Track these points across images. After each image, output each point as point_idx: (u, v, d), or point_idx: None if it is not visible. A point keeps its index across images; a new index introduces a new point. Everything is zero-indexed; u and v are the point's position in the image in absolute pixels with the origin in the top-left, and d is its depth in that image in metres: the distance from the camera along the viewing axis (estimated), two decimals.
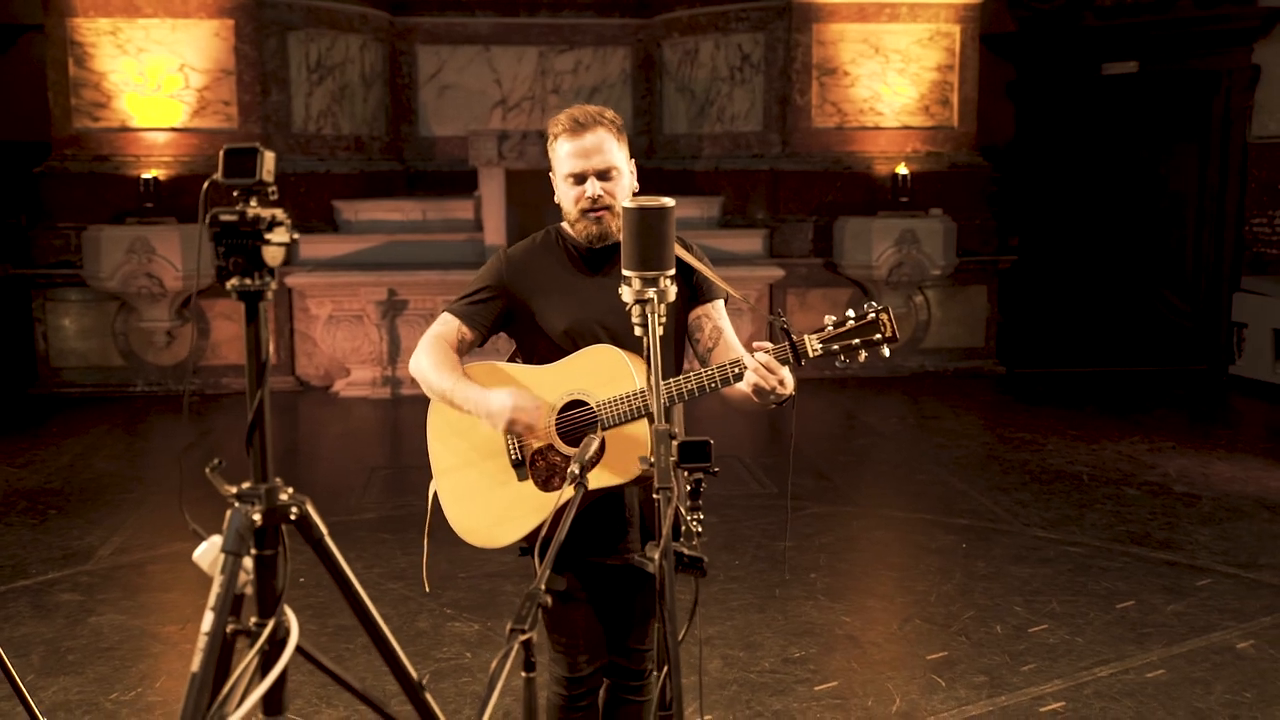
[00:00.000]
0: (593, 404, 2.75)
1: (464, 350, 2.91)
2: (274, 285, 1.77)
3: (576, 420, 2.77)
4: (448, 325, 2.91)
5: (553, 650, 3.00)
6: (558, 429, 2.79)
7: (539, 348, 2.90)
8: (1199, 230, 11.24)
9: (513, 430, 2.76)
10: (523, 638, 1.99)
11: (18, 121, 10.57)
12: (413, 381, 10.04)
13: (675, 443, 2.32)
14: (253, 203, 1.74)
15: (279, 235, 1.73)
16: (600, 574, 2.94)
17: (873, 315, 2.65)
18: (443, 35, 11.28)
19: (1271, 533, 6.14)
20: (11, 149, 10.58)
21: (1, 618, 4.96)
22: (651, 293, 2.32)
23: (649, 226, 2.31)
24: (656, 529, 2.93)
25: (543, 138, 10.45)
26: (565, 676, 2.98)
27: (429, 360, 2.86)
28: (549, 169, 2.94)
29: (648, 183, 11.11)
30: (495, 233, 9.92)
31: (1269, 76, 10.57)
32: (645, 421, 2.72)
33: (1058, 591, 5.27)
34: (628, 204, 2.31)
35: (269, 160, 1.74)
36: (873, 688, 4.29)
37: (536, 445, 2.82)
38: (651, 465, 2.24)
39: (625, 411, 2.71)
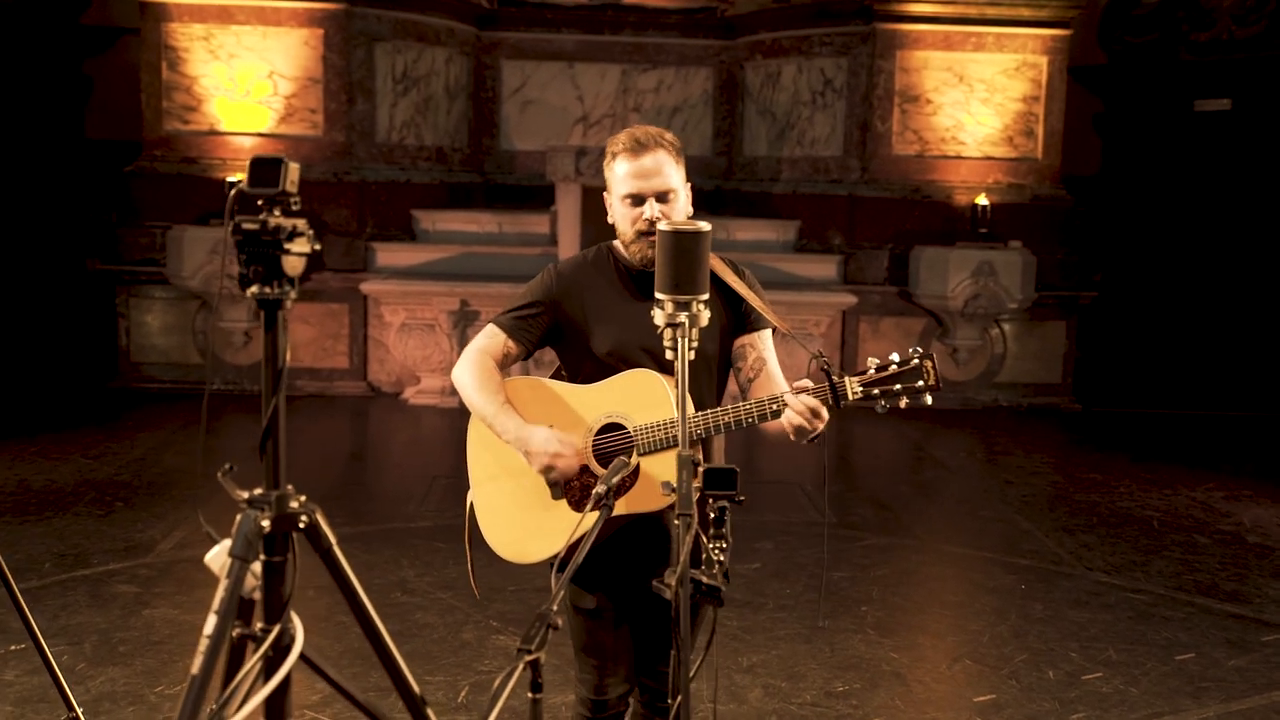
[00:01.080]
0: (630, 428, 2.75)
1: (508, 364, 2.91)
2: (294, 294, 1.78)
3: (613, 444, 2.77)
4: (493, 339, 2.89)
5: (580, 670, 2.98)
6: (594, 451, 2.78)
7: (583, 365, 2.90)
8: None
9: (547, 476, 2.76)
10: (529, 658, 1.98)
11: (112, 121, 10.87)
12: None
13: (700, 469, 2.30)
14: (275, 212, 1.75)
15: (299, 245, 1.75)
16: (634, 597, 2.92)
17: (916, 361, 2.62)
18: (528, 51, 11.38)
19: None
20: (105, 148, 10.87)
21: (60, 605, 5.07)
22: (683, 316, 2.30)
23: (684, 249, 2.29)
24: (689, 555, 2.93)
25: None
26: (591, 698, 2.96)
27: (472, 377, 2.85)
28: (604, 188, 2.91)
29: (725, 204, 11.12)
30: (570, 247, 9.96)
31: None
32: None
33: (1116, 639, 5.13)
34: (663, 226, 2.30)
35: (293, 171, 1.75)
36: None
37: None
38: (672, 491, 2.22)
39: (661, 439, 2.70)
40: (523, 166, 11.42)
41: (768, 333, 2.98)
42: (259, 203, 1.76)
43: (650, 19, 11.38)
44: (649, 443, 2.72)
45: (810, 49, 10.60)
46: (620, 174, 2.79)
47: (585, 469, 2.80)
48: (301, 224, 1.74)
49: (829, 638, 5.00)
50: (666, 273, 2.29)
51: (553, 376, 3.03)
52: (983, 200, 10.05)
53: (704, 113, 11.49)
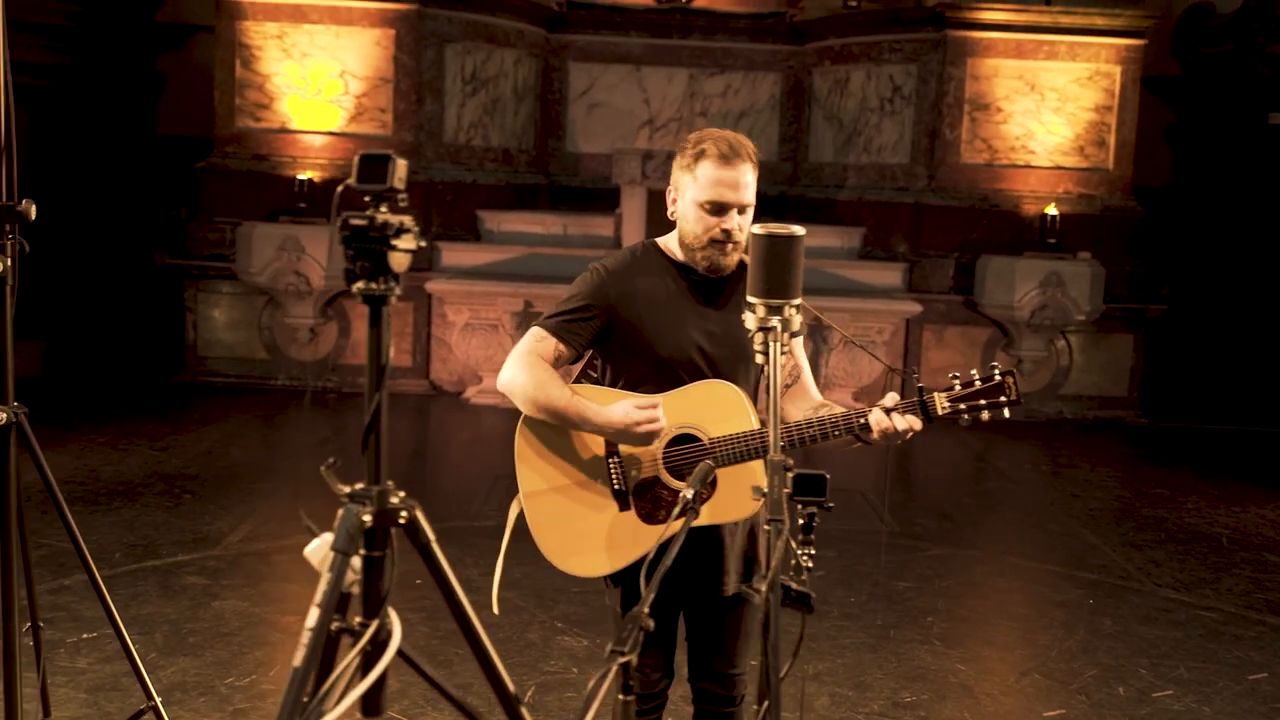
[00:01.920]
0: (705, 439, 2.71)
1: (557, 367, 2.83)
2: (398, 290, 1.79)
3: (686, 455, 2.73)
4: (544, 342, 2.81)
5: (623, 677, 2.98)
6: (664, 462, 2.75)
7: (633, 366, 2.84)
8: None
9: (638, 440, 2.68)
10: (622, 659, 1.98)
11: (185, 117, 11.05)
12: None
13: (790, 475, 2.29)
14: (383, 208, 1.76)
15: (406, 242, 1.76)
16: (689, 601, 2.92)
17: (999, 378, 2.66)
18: (595, 53, 11.41)
19: None
20: (177, 143, 11.05)
21: (130, 595, 5.14)
22: (775, 320, 2.29)
23: (778, 254, 2.28)
24: (762, 561, 2.92)
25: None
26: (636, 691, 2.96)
27: (531, 378, 2.75)
28: (670, 185, 2.85)
29: (789, 209, 11.07)
30: None
31: None
32: (759, 463, 2.69)
33: (1186, 657, 5.05)
34: (757, 230, 2.29)
35: (401, 168, 1.76)
36: None
37: (641, 477, 2.77)
38: (763, 495, 2.21)
39: (740, 451, 2.67)
40: (588, 169, 11.45)
41: (800, 339, 2.97)
42: (365, 199, 1.77)
43: (718, 23, 11.37)
44: (727, 454, 2.68)
45: (879, 55, 10.54)
46: (706, 179, 2.72)
47: (657, 480, 2.77)
48: (409, 220, 1.75)
49: (895, 648, 4.97)
50: (759, 276, 2.28)
51: (579, 377, 2.97)
52: (1052, 210, 9.94)
53: (770, 118, 11.46)
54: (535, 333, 2.84)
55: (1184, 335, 11.15)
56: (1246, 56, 11.02)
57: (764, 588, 2.21)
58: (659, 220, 10.73)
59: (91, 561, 3.13)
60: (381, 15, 10.03)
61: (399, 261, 1.76)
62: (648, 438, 2.68)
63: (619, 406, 2.69)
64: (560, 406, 2.73)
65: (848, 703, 4.41)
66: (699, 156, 2.73)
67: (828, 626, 5.14)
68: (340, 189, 1.78)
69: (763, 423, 2.70)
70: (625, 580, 2.87)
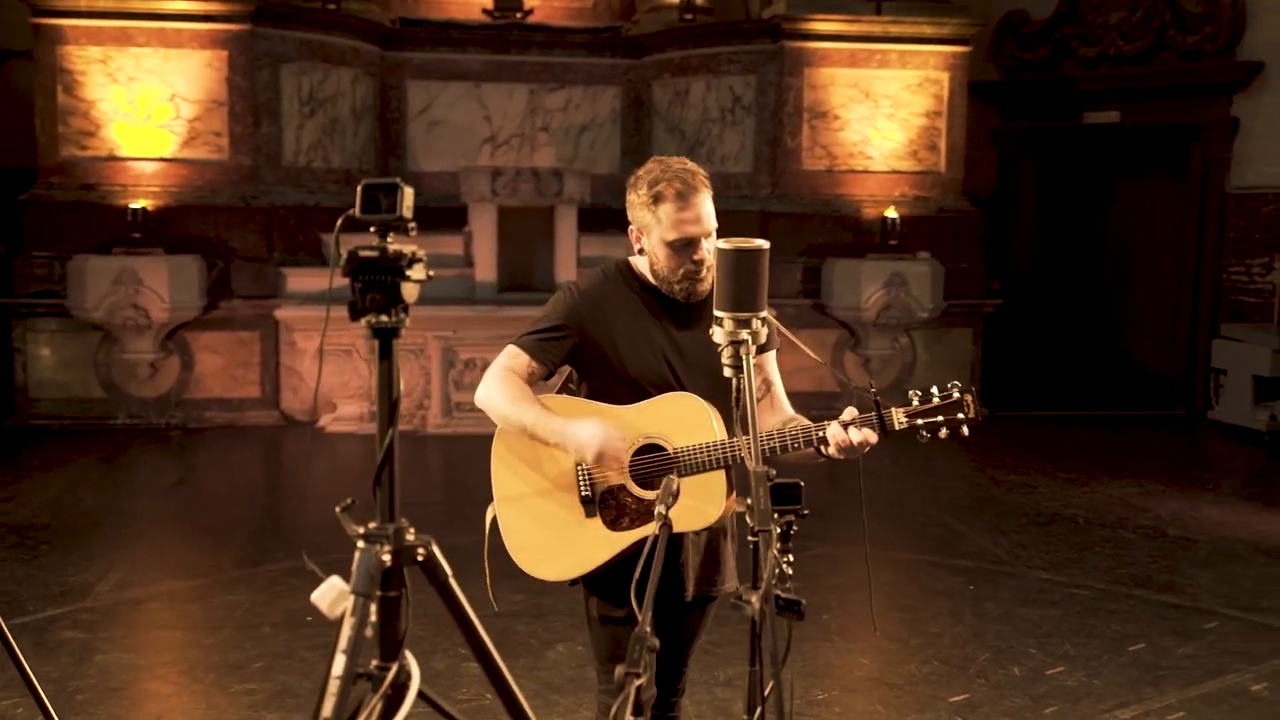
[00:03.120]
0: (670, 449, 2.76)
1: (530, 384, 2.90)
2: (408, 323, 1.75)
3: (652, 464, 2.78)
4: (517, 359, 2.89)
5: (604, 681, 2.99)
6: (631, 471, 2.79)
7: (607, 385, 2.90)
8: (1178, 277, 11.41)
9: (600, 461, 2.75)
10: (638, 681, 1.97)
11: (2, 148, 10.44)
12: (408, 417, 9.78)
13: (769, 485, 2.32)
14: (390, 239, 1.72)
15: (418, 272, 1.72)
16: (656, 609, 2.94)
17: (957, 395, 2.78)
18: (433, 71, 11.28)
19: (1269, 576, 6.21)
20: None
21: (3, 657, 4.83)
22: (745, 334, 2.32)
23: (745, 268, 2.32)
24: (724, 567, 2.96)
25: (536, 176, 10.32)
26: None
27: (504, 392, 2.84)
28: (632, 223, 2.90)
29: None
30: (486, 269, 9.90)
31: (1247, 128, 10.77)
32: (720, 473, 2.77)
33: (1069, 634, 5.28)
34: (723, 245, 2.32)
35: (409, 196, 1.72)
36: None
37: (608, 485, 2.81)
38: (729, 507, 2.24)
39: (704, 461, 2.74)
40: (430, 188, 11.26)
41: (773, 354, 3.04)
42: (370, 229, 1.72)
43: (556, 38, 11.37)
44: (691, 464, 2.75)
45: (718, 67, 10.72)
46: (669, 220, 2.80)
47: (623, 488, 2.81)
48: (420, 250, 1.71)
49: (799, 647, 5.04)
50: (727, 290, 2.31)
51: (561, 390, 3.03)
52: (891, 213, 10.28)
53: (612, 131, 11.52)
54: (510, 350, 2.91)
55: (1015, 328, 11.67)
56: (1060, 60, 11.62)
57: (756, 599, 2.24)
58: (510, 237, 10.66)
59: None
60: (212, 36, 9.71)
61: (410, 293, 1.73)
62: (608, 459, 2.76)
63: (586, 425, 2.73)
64: (526, 419, 2.80)
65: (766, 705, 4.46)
66: (657, 200, 2.81)
67: (730, 631, 5.17)
68: (341, 220, 1.73)
69: (728, 434, 2.75)
70: (588, 584, 2.92)
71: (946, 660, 4.97)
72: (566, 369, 2.98)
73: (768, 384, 3.01)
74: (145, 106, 9.66)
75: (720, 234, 2.84)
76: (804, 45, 10.35)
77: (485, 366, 2.99)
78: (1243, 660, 4.99)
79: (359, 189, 1.73)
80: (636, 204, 2.86)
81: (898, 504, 7.69)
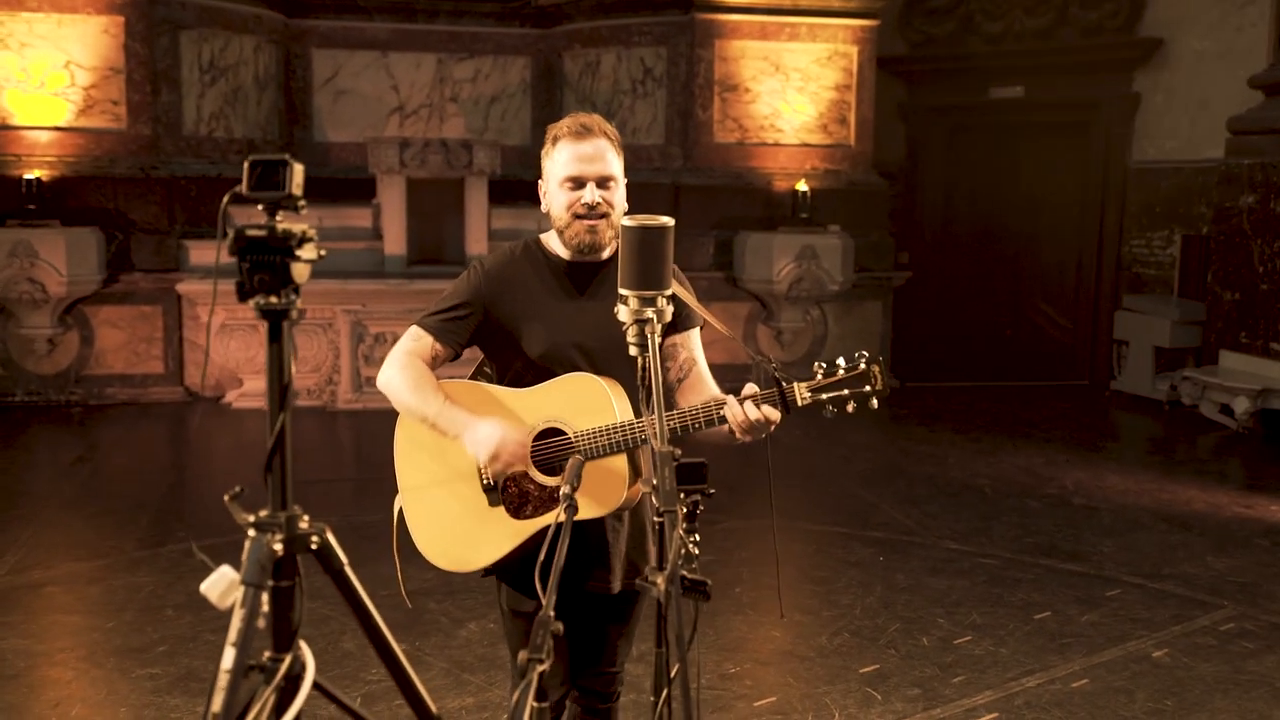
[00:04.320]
0: (570, 433, 2.70)
1: (436, 366, 2.82)
2: (299, 303, 1.69)
3: (553, 449, 2.71)
4: (420, 341, 2.81)
5: (517, 676, 2.94)
6: (533, 456, 2.72)
7: (514, 365, 2.83)
8: (1081, 250, 11.64)
9: (493, 466, 2.68)
10: (541, 667, 1.94)
11: None
12: (310, 392, 9.65)
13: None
14: (279, 217, 1.65)
15: (309, 251, 1.66)
16: (571, 600, 2.89)
17: (863, 367, 2.66)
18: (339, 39, 11.05)
19: (1169, 543, 6.36)
20: None
21: None
22: (650, 313, 2.29)
23: (649, 244, 2.28)
24: (650, 556, 2.92)
25: (446, 147, 10.15)
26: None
27: (405, 379, 2.75)
28: (541, 180, 2.85)
29: None
30: (395, 242, 9.76)
31: (1147, 104, 10.99)
32: (623, 456, 2.70)
33: (977, 603, 5.37)
34: (627, 222, 2.28)
35: (298, 173, 1.66)
36: (811, 702, 4.31)
37: (510, 472, 2.76)
38: (634, 490, 2.21)
39: (604, 445, 2.65)
40: (337, 159, 11.09)
41: (696, 331, 2.96)
42: (259, 207, 1.66)
43: (465, 6, 11.19)
44: (591, 448, 2.66)
45: (629, 38, 10.64)
46: (561, 157, 2.75)
47: (525, 475, 2.74)
48: (310, 229, 1.65)
49: (710, 620, 5.06)
50: (631, 268, 2.27)
51: (473, 375, 2.96)
52: (802, 186, 10.31)
53: (523, 102, 11.40)
54: (413, 332, 2.82)
55: (923, 300, 11.82)
56: (967, 35, 11.74)
57: (661, 580, 2.21)
58: (418, 210, 10.50)
59: None
60: (108, 2, 9.39)
61: (301, 273, 1.66)
62: (503, 464, 2.69)
63: (486, 424, 2.66)
64: (427, 411, 2.72)
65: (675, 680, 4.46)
66: (555, 140, 2.78)
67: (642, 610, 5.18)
68: (228, 198, 1.66)
69: (631, 416, 2.69)
70: (499, 575, 2.86)
71: (857, 632, 5.01)
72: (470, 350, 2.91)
73: (690, 362, 2.94)
74: (39, 74, 9.33)
75: (632, 207, 2.79)
76: (714, 18, 10.31)
77: (395, 341, 2.90)
78: (1144, 627, 5.11)
79: (245, 165, 1.66)
80: (543, 155, 2.82)
81: (809, 476, 7.74)
